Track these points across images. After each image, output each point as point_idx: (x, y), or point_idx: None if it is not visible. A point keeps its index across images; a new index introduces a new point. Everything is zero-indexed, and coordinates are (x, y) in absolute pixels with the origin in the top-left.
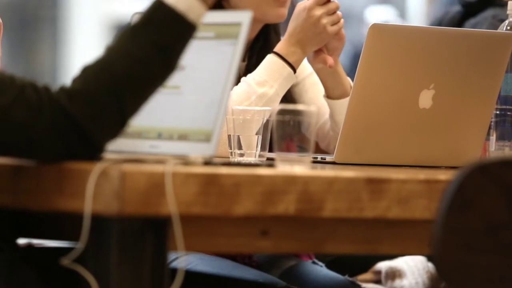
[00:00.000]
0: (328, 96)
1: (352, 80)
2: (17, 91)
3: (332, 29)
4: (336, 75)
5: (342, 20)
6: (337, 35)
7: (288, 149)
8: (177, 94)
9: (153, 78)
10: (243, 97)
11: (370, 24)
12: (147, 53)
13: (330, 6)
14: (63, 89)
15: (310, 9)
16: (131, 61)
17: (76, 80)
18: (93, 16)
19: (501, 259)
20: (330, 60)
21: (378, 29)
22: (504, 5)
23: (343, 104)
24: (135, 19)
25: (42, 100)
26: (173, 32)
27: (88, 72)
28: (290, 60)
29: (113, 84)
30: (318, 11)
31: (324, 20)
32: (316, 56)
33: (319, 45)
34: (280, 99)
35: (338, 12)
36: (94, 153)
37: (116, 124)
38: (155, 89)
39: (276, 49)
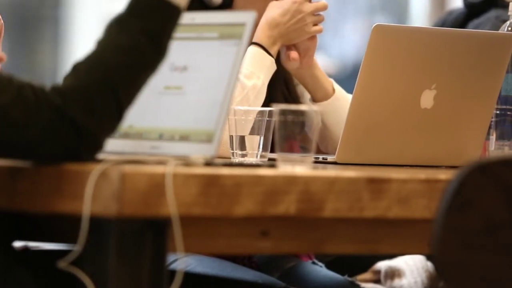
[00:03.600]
0: (312, 99)
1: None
2: (15, 91)
3: (313, 29)
4: (314, 77)
5: (321, 27)
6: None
7: (290, 149)
8: (180, 94)
9: (144, 66)
10: (236, 92)
11: (374, 25)
12: (137, 41)
13: (319, 5)
14: (55, 89)
15: (301, 3)
16: (121, 51)
17: (67, 78)
18: (95, 16)
19: (501, 259)
20: (293, 53)
21: (381, 29)
22: (507, 6)
23: (326, 106)
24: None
25: (39, 101)
26: (160, 17)
27: (79, 68)
28: (272, 51)
29: (105, 76)
30: (307, 8)
31: (309, 19)
32: (286, 54)
33: (294, 41)
34: (266, 88)
35: (322, 13)
36: (93, 150)
37: (113, 116)
38: (147, 77)
39: (256, 39)
